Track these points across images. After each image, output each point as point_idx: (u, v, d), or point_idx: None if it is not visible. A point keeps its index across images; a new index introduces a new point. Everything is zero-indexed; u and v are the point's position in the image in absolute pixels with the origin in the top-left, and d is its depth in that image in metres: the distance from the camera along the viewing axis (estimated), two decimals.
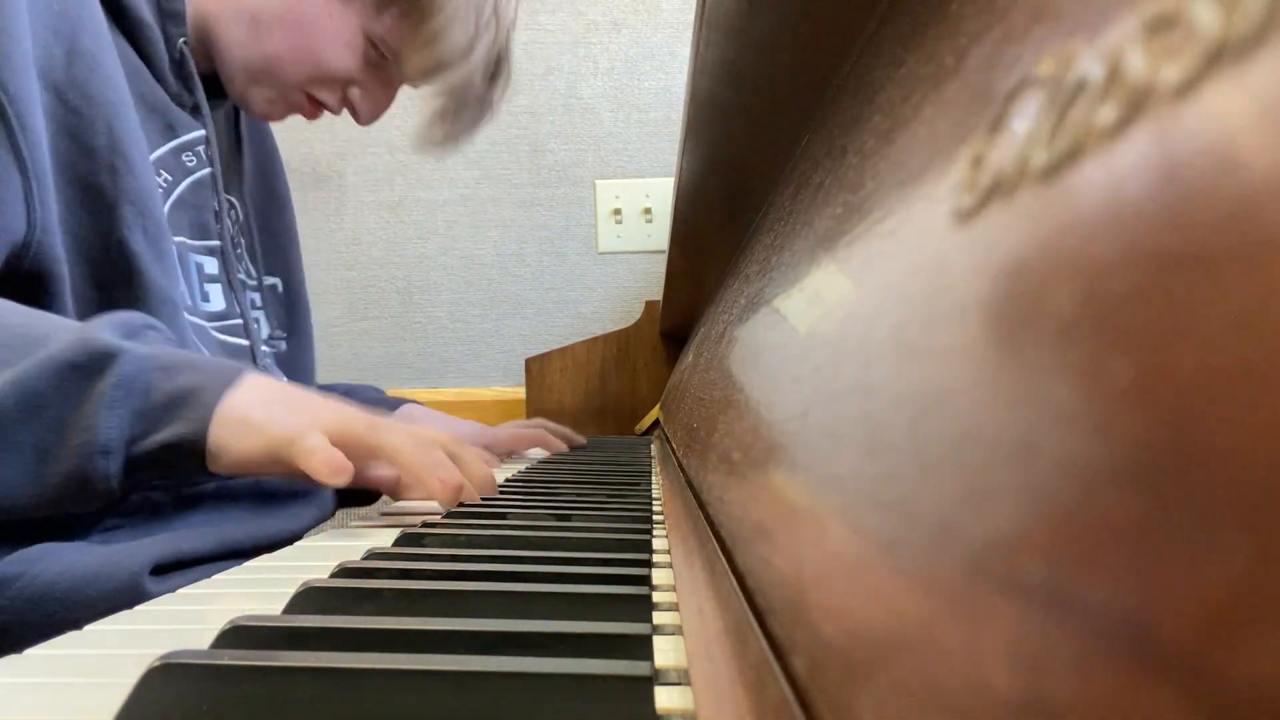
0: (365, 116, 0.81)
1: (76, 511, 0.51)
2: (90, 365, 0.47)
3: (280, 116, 0.79)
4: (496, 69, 0.82)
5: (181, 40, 0.71)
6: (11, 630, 0.53)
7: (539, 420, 1.09)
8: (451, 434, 0.57)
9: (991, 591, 0.10)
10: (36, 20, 0.58)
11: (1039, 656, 0.08)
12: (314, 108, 0.78)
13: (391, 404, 0.99)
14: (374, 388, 1.05)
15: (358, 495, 0.88)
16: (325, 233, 1.44)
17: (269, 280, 0.86)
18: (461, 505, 0.51)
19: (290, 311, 0.89)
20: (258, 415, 0.49)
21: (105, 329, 0.49)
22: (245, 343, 0.76)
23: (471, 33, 0.76)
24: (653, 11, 1.44)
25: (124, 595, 0.54)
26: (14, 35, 0.56)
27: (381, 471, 0.58)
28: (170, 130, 0.71)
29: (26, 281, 0.58)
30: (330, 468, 0.47)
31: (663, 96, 1.44)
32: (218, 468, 0.50)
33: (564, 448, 1.00)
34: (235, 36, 0.73)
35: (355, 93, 0.78)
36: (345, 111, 0.81)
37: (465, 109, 0.83)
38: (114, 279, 0.62)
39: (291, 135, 1.40)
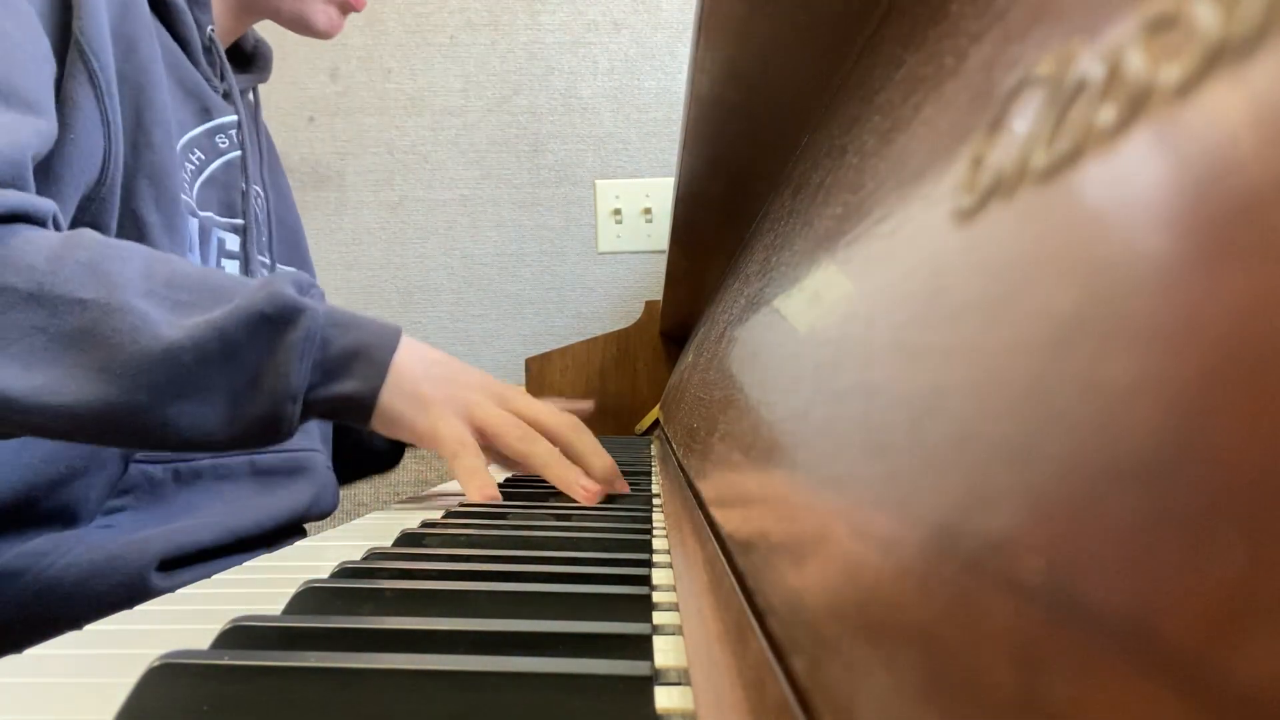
0: None
1: (252, 446, 0.56)
2: (280, 318, 0.51)
3: (340, 21, 0.82)
4: None
5: (210, 28, 0.74)
6: (18, 625, 0.54)
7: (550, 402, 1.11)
8: (574, 420, 0.60)
9: (991, 591, 0.10)
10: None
11: (1039, 656, 0.08)
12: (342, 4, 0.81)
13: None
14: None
15: (372, 460, 0.93)
16: (325, 233, 1.44)
17: (286, 270, 0.87)
18: (462, 505, 0.52)
19: None
20: (426, 390, 0.55)
21: (286, 284, 0.52)
22: None
23: None
24: (653, 11, 1.44)
25: (131, 590, 0.54)
26: (96, 10, 0.60)
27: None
28: (206, 113, 0.74)
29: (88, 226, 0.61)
30: (482, 496, 0.53)
31: (663, 96, 1.44)
32: (383, 428, 0.55)
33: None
34: None
35: None
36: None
37: None
38: None
39: (291, 135, 1.40)
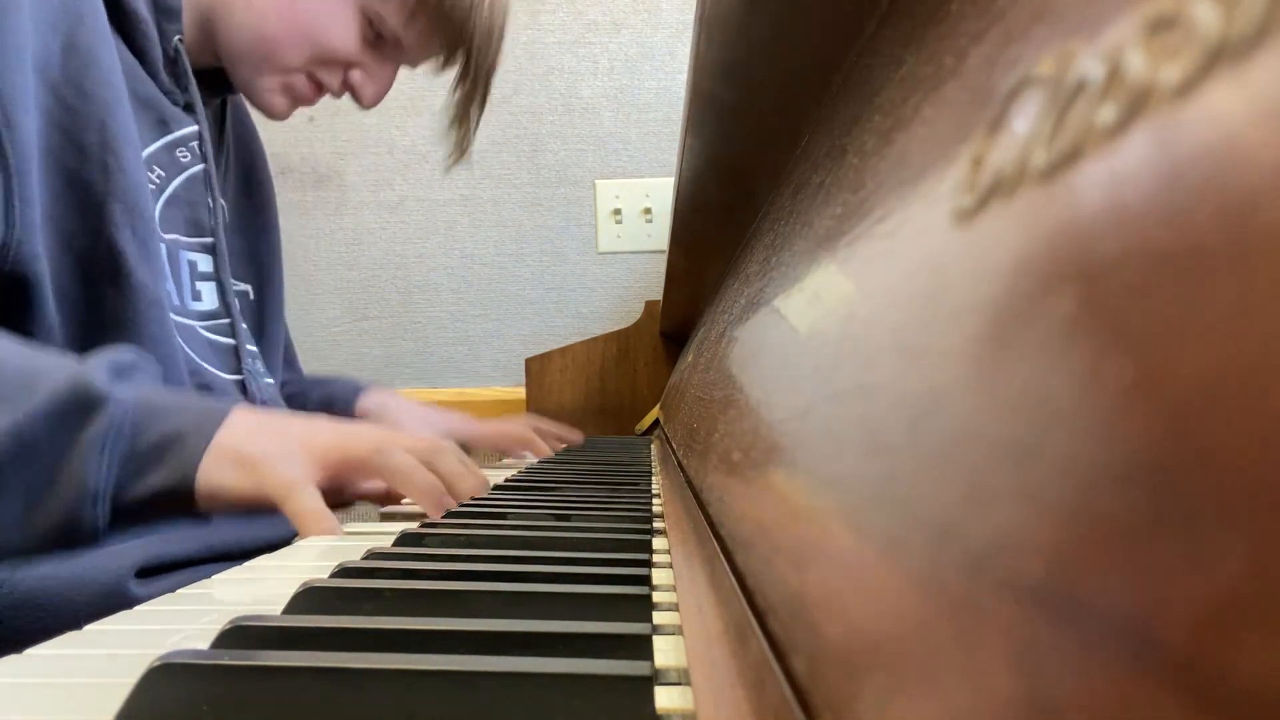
0: (368, 98, 0.80)
1: (53, 550, 0.51)
2: (80, 410, 0.47)
3: (286, 108, 0.78)
4: (495, 45, 0.81)
5: (176, 37, 0.70)
6: None
7: (529, 418, 1.07)
8: (454, 445, 0.57)
9: (991, 591, 0.10)
10: (37, 15, 0.58)
11: (1039, 657, 0.08)
12: (315, 91, 0.78)
13: (359, 389, 0.97)
14: (347, 380, 1.02)
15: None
16: (325, 233, 1.44)
17: (239, 286, 0.83)
18: (462, 505, 0.51)
19: (257, 321, 0.86)
20: (249, 451, 0.50)
21: (95, 370, 0.48)
22: (232, 342, 0.75)
23: (468, 10, 0.76)
24: (653, 11, 1.44)
25: (109, 599, 0.53)
26: (12, 30, 0.55)
27: (369, 486, 0.58)
28: (163, 126, 0.70)
29: (6, 285, 0.58)
30: (320, 534, 0.47)
31: (663, 96, 1.44)
32: (212, 508, 0.50)
33: (548, 451, 0.96)
34: (234, 21, 0.73)
35: (356, 75, 0.78)
36: (343, 111, 0.81)
37: (476, 90, 0.82)
38: (100, 277, 0.62)
39: (291, 135, 1.40)
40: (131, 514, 0.49)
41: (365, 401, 0.96)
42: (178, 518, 0.51)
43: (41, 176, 0.59)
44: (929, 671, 0.11)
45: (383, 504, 0.60)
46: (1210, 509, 0.07)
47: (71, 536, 0.48)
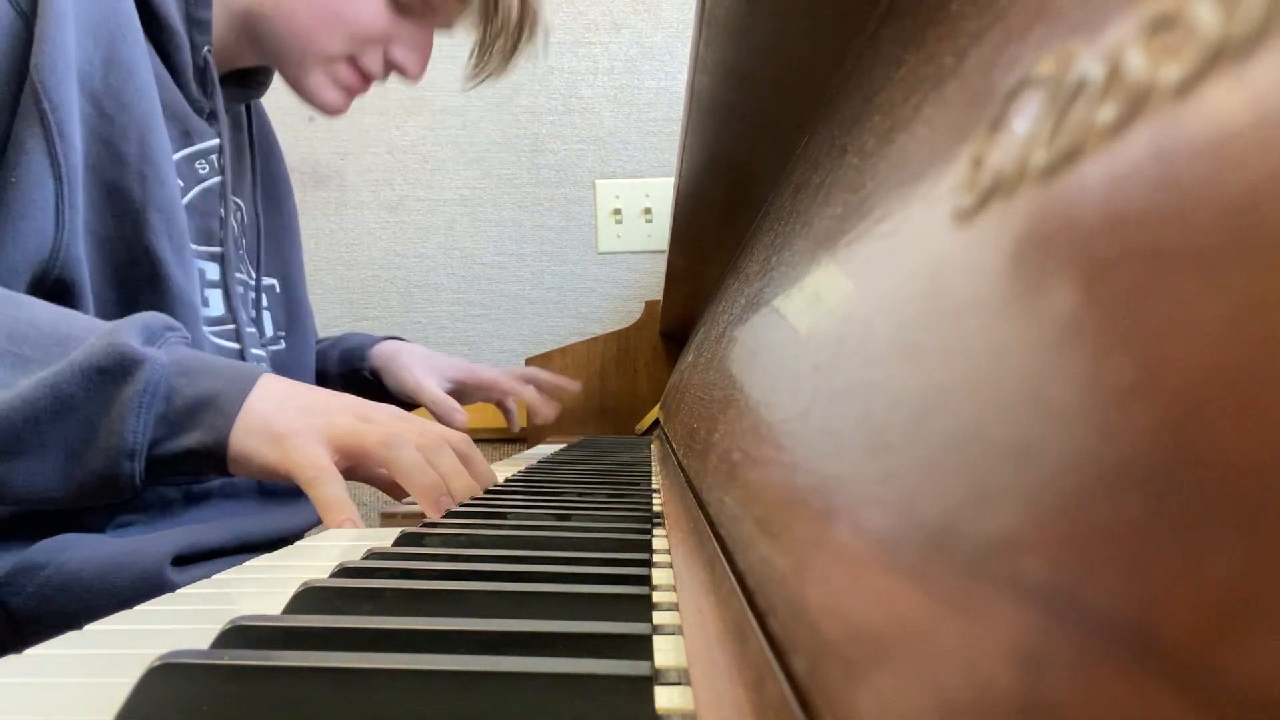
0: (412, 70, 0.81)
1: (96, 503, 0.54)
2: (117, 370, 0.49)
3: (340, 100, 0.80)
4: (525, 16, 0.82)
5: (206, 48, 0.72)
6: (39, 616, 0.55)
7: (533, 370, 1.13)
8: (464, 435, 0.59)
9: (991, 591, 0.10)
10: (80, 28, 0.60)
11: (1039, 656, 0.08)
12: (361, 78, 0.79)
13: (368, 343, 1.03)
14: (362, 334, 1.08)
15: None
16: (325, 233, 1.44)
17: (267, 281, 0.87)
18: (462, 505, 0.51)
19: (287, 312, 0.90)
20: (278, 425, 0.52)
21: (131, 333, 0.51)
22: (236, 346, 0.77)
23: None
24: (653, 11, 1.44)
25: (148, 583, 0.55)
26: (60, 44, 0.58)
27: (381, 472, 0.59)
28: (187, 137, 0.72)
29: (53, 288, 0.60)
30: (342, 525, 0.50)
31: (663, 96, 1.44)
32: (240, 472, 0.53)
33: (542, 408, 1.06)
34: (269, 26, 0.74)
35: (395, 51, 0.79)
36: (381, 87, 0.82)
37: (505, 31, 0.83)
38: (138, 282, 0.65)
39: (292, 135, 1.40)
40: (168, 470, 0.52)
41: (380, 348, 1.02)
42: (212, 476, 0.54)
43: (84, 186, 0.61)
44: (929, 671, 0.11)
45: (390, 491, 0.62)
46: (1210, 509, 0.07)
47: (109, 490, 0.50)
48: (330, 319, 1.44)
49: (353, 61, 0.78)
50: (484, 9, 0.79)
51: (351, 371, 1.02)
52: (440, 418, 0.98)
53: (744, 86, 0.44)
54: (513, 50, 0.83)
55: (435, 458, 0.54)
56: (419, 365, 1.01)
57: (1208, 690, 0.06)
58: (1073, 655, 0.08)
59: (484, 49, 0.83)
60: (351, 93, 0.81)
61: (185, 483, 0.65)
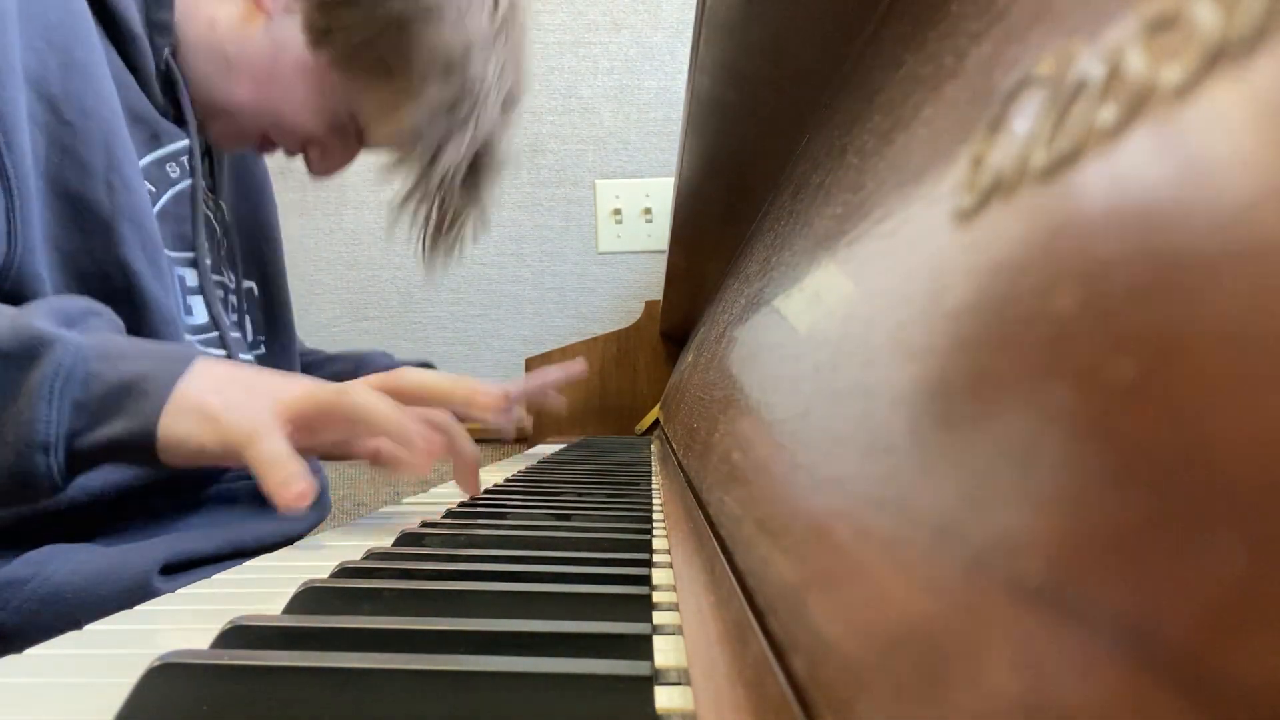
0: (319, 172, 0.78)
1: (20, 506, 0.49)
2: (22, 354, 0.44)
3: (234, 150, 0.77)
4: (478, 164, 0.78)
5: (167, 50, 0.69)
6: (24, 630, 0.54)
7: (536, 374, 1.10)
8: (441, 411, 0.55)
9: (991, 592, 0.10)
10: (31, 31, 0.57)
11: (1039, 657, 0.08)
12: (268, 147, 0.76)
13: (394, 361, 0.99)
14: (385, 353, 1.05)
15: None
16: (325, 233, 1.44)
17: (246, 284, 0.83)
18: (461, 505, 0.51)
19: (267, 315, 0.86)
20: (213, 402, 0.46)
21: (40, 314, 0.46)
22: (222, 353, 0.75)
23: (443, 122, 0.72)
24: (653, 11, 1.44)
25: (134, 594, 0.54)
26: (2, 49, 0.54)
27: (362, 443, 0.56)
28: (155, 140, 0.69)
29: (7, 301, 0.56)
30: (289, 493, 0.43)
31: (663, 96, 1.44)
32: (173, 460, 0.47)
33: (562, 404, 1.02)
34: (204, 71, 0.71)
35: (314, 150, 0.76)
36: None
37: (448, 201, 0.79)
38: (110, 297, 0.61)
39: None
40: (89, 462, 0.47)
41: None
42: (142, 466, 0.48)
43: (43, 196, 0.58)
44: (929, 671, 0.11)
45: (375, 463, 0.59)
46: (1210, 510, 0.07)
47: (26, 487, 0.45)
48: (330, 319, 1.44)
49: (266, 135, 0.75)
50: (413, 148, 0.74)
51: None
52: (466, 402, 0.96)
53: (744, 86, 0.44)
54: (449, 229, 0.79)
55: (437, 422, 0.51)
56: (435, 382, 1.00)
57: (1208, 690, 0.06)
58: (1073, 656, 0.08)
59: (424, 226, 0.78)
60: (247, 150, 0.77)
61: (116, 462, 0.56)
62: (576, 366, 1.05)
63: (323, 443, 0.52)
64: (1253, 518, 0.06)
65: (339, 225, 1.45)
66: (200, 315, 0.74)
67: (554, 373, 1.06)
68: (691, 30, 0.41)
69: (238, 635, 0.24)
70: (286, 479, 0.43)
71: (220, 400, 0.47)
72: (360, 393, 0.48)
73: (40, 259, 0.57)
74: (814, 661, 0.15)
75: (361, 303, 1.45)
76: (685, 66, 0.49)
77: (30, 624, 0.54)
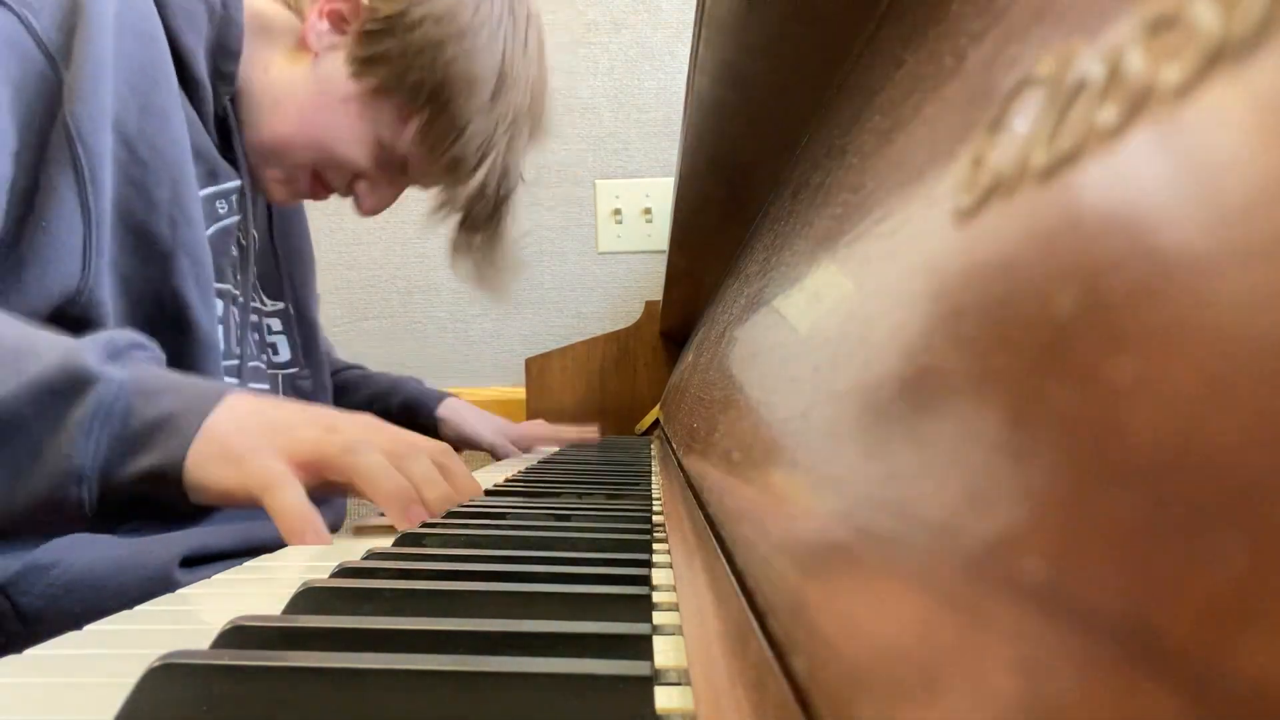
0: (366, 208, 0.84)
1: (49, 533, 0.52)
2: (68, 389, 0.46)
3: (286, 198, 0.82)
4: (503, 186, 0.85)
5: (228, 97, 0.74)
6: (46, 615, 0.55)
7: (558, 429, 1.21)
8: (442, 445, 0.56)
9: (991, 591, 0.10)
10: (119, 75, 0.62)
11: (1039, 656, 0.08)
12: (320, 189, 0.81)
13: (435, 397, 1.09)
14: (415, 379, 1.12)
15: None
16: (325, 233, 1.44)
17: (278, 305, 0.88)
18: (461, 505, 0.51)
19: (302, 335, 0.91)
20: (236, 445, 0.48)
21: (90, 350, 0.48)
22: (236, 381, 0.78)
23: (482, 155, 0.80)
24: (653, 11, 1.44)
25: (155, 584, 0.55)
26: (97, 92, 0.59)
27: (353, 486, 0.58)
28: (212, 177, 0.74)
29: (72, 326, 0.59)
30: (303, 537, 0.46)
31: (663, 96, 1.44)
32: (203, 500, 0.49)
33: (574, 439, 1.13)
34: (255, 115, 0.76)
35: (362, 185, 0.81)
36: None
37: (478, 220, 0.88)
38: (163, 323, 0.65)
39: None
40: (121, 494, 0.48)
41: (442, 410, 1.09)
42: (173, 504, 0.50)
43: (111, 227, 0.62)
44: (929, 671, 0.11)
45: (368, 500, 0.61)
46: (1210, 509, 0.07)
47: (58, 515, 0.47)
48: (330, 319, 1.44)
49: (317, 175, 0.80)
50: (456, 177, 0.81)
51: (411, 418, 1.05)
52: (497, 452, 1.06)
53: (744, 86, 0.44)
54: (493, 215, 0.87)
55: (406, 464, 0.52)
56: (482, 421, 1.09)
57: (1208, 690, 0.06)
58: (1072, 655, 0.08)
59: (464, 220, 0.87)
60: (301, 198, 0.83)
61: (158, 515, 0.58)
62: (589, 433, 1.16)
63: (330, 487, 0.54)
64: (1252, 517, 0.06)
65: (339, 226, 1.45)
66: (223, 343, 0.77)
67: (571, 433, 1.15)
68: (691, 30, 0.41)
69: (238, 635, 0.24)
70: (301, 530, 0.46)
71: (243, 442, 0.49)
72: (366, 455, 0.50)
73: (105, 285, 0.62)
74: (814, 662, 0.15)
75: (362, 303, 1.45)
76: (685, 66, 0.49)
77: (52, 609, 0.55)
